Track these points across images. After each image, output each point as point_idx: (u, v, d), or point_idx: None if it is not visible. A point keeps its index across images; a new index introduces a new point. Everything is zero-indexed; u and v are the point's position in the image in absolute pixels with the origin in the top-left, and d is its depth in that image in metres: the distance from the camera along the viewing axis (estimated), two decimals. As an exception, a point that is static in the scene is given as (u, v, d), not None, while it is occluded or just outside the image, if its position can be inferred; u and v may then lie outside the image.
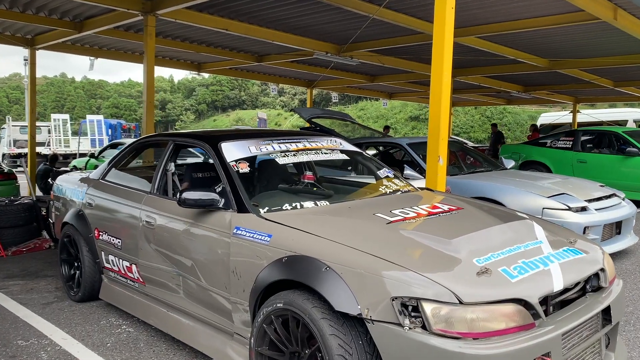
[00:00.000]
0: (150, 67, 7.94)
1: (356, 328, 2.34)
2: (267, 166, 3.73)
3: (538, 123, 19.27)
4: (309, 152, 3.73)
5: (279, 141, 3.68)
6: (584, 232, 5.20)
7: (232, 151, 3.42)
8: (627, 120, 16.54)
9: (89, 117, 25.93)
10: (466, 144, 18.68)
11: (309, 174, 3.93)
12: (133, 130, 26.22)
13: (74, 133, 25.17)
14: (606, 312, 2.67)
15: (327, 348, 2.32)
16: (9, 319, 4.16)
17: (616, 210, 5.59)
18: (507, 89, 15.66)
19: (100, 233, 4.14)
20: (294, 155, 3.61)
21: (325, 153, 3.82)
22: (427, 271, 2.30)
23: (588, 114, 17.52)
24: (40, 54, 11.25)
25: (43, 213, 7.34)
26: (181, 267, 3.33)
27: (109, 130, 24.89)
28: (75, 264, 4.55)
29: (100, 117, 25.80)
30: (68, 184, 4.91)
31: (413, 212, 3.09)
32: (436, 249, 2.54)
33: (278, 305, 2.55)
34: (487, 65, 12.07)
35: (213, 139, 3.56)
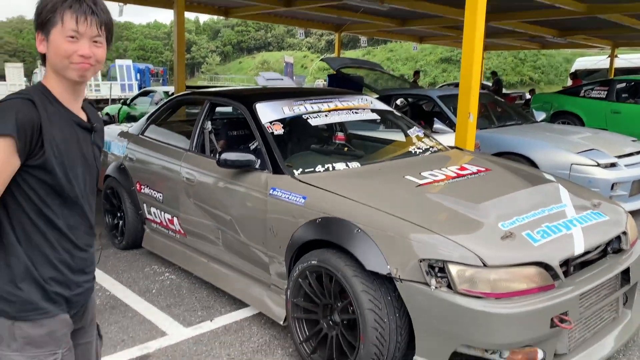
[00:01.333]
0: (180, 18, 7.98)
1: (385, 285, 2.53)
2: (299, 126, 3.85)
3: (573, 68, 18.68)
4: (340, 112, 3.83)
5: (311, 101, 3.78)
6: (611, 188, 5.24)
7: (266, 112, 3.55)
8: (668, 65, 15.93)
9: (117, 61, 26.13)
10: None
11: (340, 134, 4.04)
12: (161, 75, 26.39)
13: (103, 76, 25.46)
14: (625, 272, 2.80)
15: (358, 302, 2.51)
16: (61, 264, 4.50)
17: (646, 165, 5.58)
18: (542, 33, 15.12)
19: (142, 186, 4.38)
20: (326, 115, 3.71)
21: (356, 113, 3.92)
22: (454, 235, 2.44)
23: (627, 59, 16.88)
24: None
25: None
26: (220, 222, 3.54)
27: (138, 75, 25.10)
28: (118, 214, 4.83)
29: (129, 61, 25.97)
30: (108, 137, 5.12)
31: (442, 174, 3.20)
32: (463, 214, 2.67)
33: (312, 262, 2.74)
34: (522, 10, 11.66)
35: (248, 100, 3.68)
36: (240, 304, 3.63)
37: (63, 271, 1.52)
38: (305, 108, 3.70)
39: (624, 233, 2.87)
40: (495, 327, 2.29)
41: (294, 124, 3.85)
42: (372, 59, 52.05)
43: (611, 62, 16.46)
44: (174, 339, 3.22)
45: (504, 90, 19.10)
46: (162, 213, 4.16)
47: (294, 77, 27.20)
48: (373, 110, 4.11)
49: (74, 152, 1.51)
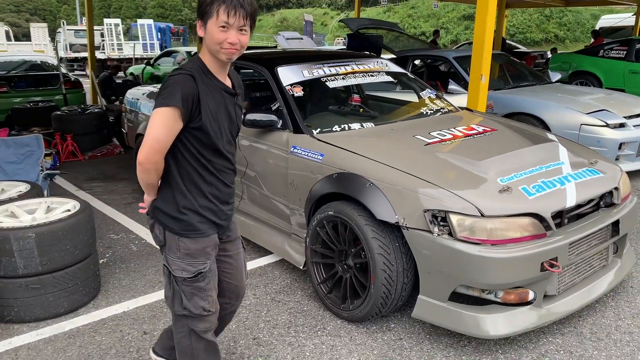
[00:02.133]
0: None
1: (394, 233, 2.83)
2: (318, 88, 4.10)
3: (597, 26, 18.31)
4: (356, 74, 4.06)
5: (329, 65, 4.01)
6: (619, 148, 5.42)
7: (287, 75, 3.80)
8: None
9: (139, 21, 26.23)
10: (517, 47, 18.12)
11: (355, 96, 4.28)
12: (181, 34, 26.45)
13: (124, 34, 25.65)
14: (616, 224, 3.06)
15: (369, 248, 2.83)
16: (99, 215, 4.90)
17: (656, 126, 5.71)
18: (566, -10, 14.84)
19: (172, 145, 4.70)
20: (343, 78, 3.95)
21: (372, 75, 4.14)
22: (456, 189, 2.72)
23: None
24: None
25: (111, 120, 8.03)
26: (245, 177, 3.86)
27: (158, 34, 25.21)
28: (150, 170, 5.18)
29: (150, 21, 26.03)
30: (139, 99, 5.44)
31: (450, 134, 3.45)
32: (466, 170, 2.94)
33: (329, 212, 3.05)
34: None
35: (270, 63, 3.93)
36: (264, 251, 3.99)
37: (214, 202, 2.03)
38: (324, 71, 3.94)
39: (616, 189, 3.11)
40: (490, 270, 2.59)
41: (313, 86, 4.10)
42: (393, 16, 51.08)
43: (636, 20, 16.09)
44: (205, 281, 3.59)
45: (524, 49, 18.87)
46: (191, 169, 4.49)
47: (314, 36, 27.03)
48: (388, 73, 4.33)
49: (222, 113, 1.96)
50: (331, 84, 3.89)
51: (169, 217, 2.00)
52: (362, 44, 8.03)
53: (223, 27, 1.80)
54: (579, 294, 2.95)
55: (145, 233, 4.47)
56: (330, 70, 3.95)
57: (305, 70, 3.89)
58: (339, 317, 3.11)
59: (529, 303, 2.75)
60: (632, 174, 5.91)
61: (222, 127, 1.96)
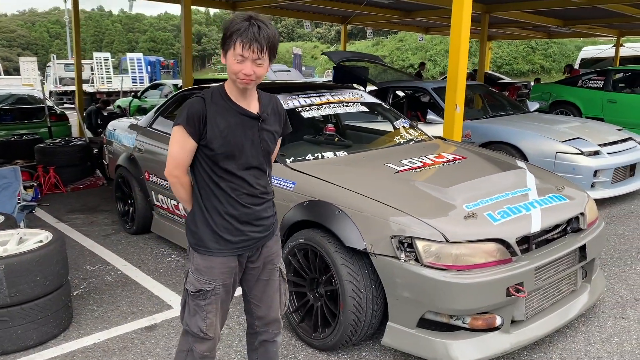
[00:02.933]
0: (187, 13, 8.29)
1: (362, 260, 2.85)
2: (293, 119, 4.14)
3: (579, 58, 18.77)
4: (331, 105, 4.14)
5: (304, 95, 4.09)
6: (594, 175, 5.51)
7: (262, 106, 3.86)
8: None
9: (128, 54, 26.53)
10: (502, 79, 18.49)
11: (330, 126, 4.34)
12: (172, 67, 26.74)
13: (115, 68, 25.90)
14: (583, 249, 3.10)
15: (339, 275, 2.84)
16: (77, 247, 4.88)
17: (629, 153, 5.83)
18: (546, 23, 15.22)
19: (150, 175, 4.73)
20: (318, 109, 4.02)
21: (347, 106, 4.22)
22: (422, 216, 2.75)
23: (632, 48, 16.94)
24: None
25: (95, 152, 8.05)
26: (220, 206, 3.88)
27: (148, 68, 25.46)
28: (129, 202, 5.20)
29: (140, 54, 26.35)
30: (119, 130, 5.49)
31: (420, 162, 3.51)
32: (433, 196, 2.99)
33: (300, 240, 3.07)
34: (524, 0, 11.82)
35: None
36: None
37: (230, 221, 2.07)
38: (299, 102, 4.01)
39: (582, 214, 3.16)
40: (456, 295, 2.60)
41: (288, 117, 4.16)
42: (381, 49, 52.03)
43: (616, 51, 16.55)
44: (178, 312, 3.57)
45: (509, 80, 19.25)
46: (169, 199, 4.52)
47: (303, 68, 27.45)
48: (363, 104, 4.41)
49: (238, 135, 2.02)
50: (306, 114, 3.96)
51: (189, 230, 2.14)
52: (347, 76, 8.19)
53: (239, 59, 1.91)
54: (548, 319, 2.96)
55: (121, 264, 4.45)
56: (305, 101, 4.03)
57: (280, 101, 3.95)
58: (310, 347, 3.09)
59: (496, 329, 2.76)
60: (608, 200, 6.00)
61: (237, 148, 2.02)
